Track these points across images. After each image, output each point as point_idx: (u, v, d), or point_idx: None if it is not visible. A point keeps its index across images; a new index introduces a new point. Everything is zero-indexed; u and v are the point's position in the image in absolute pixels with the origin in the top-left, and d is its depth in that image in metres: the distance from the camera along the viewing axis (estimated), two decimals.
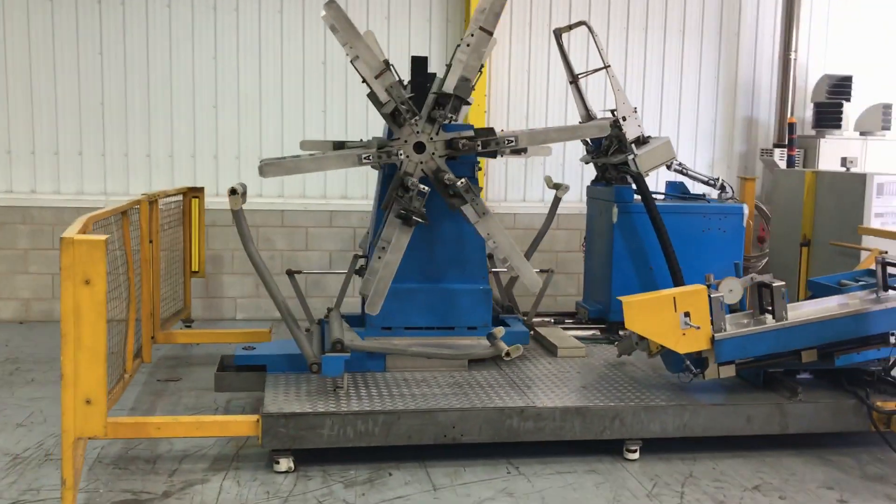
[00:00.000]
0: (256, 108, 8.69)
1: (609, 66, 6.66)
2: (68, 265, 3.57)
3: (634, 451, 5.07)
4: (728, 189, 7.28)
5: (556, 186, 6.96)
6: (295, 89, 8.73)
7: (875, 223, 6.94)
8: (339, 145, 6.36)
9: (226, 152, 8.69)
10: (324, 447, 4.76)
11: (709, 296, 5.09)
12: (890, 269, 5.41)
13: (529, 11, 9.13)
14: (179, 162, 8.61)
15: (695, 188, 7.64)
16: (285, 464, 4.71)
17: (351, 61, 4.99)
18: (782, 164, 9.06)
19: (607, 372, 5.77)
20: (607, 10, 9.25)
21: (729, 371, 5.23)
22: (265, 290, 8.62)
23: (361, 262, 6.04)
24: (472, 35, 5.04)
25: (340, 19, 4.64)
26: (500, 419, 4.90)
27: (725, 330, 5.13)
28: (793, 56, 9.22)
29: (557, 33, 7.27)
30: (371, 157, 4.89)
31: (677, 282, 6.51)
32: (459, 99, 4.91)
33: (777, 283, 5.17)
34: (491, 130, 4.94)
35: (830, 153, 8.92)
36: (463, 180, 4.73)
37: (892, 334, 5.28)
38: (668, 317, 5.01)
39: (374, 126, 8.85)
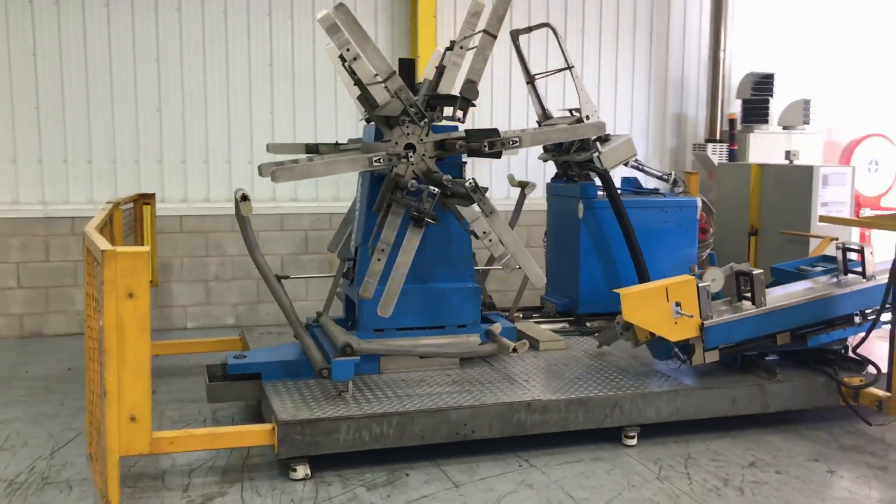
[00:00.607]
0: (202, 111, 8.46)
1: (573, 66, 6.85)
2: (111, 279, 3.43)
3: (633, 438, 5.27)
4: (680, 183, 7.61)
5: (523, 185, 7.09)
6: (241, 91, 8.55)
7: (821, 212, 7.43)
8: (312, 148, 6.30)
9: (171, 156, 8.42)
10: (339, 451, 4.74)
11: (697, 285, 5.36)
12: (848, 255, 5.84)
13: None
14: (123, 167, 8.28)
15: (647, 183, 7.95)
16: (302, 471, 4.66)
17: (347, 62, 4.97)
18: (715, 159, 9.53)
19: (592, 363, 5.95)
20: (546, 11, 9.48)
21: (713, 356, 5.49)
22: (217, 298, 8.61)
23: (348, 265, 6.02)
24: (466, 38, 5.11)
25: (349, 22, 4.61)
26: (509, 414, 5.01)
27: (712, 318, 5.40)
28: (722, 55, 9.71)
29: (514, 34, 7.41)
30: (381, 161, 4.89)
31: (641, 273, 6.76)
32: (466, 101, 4.98)
33: (757, 272, 5.48)
34: (495, 131, 5.02)
35: (759, 147, 9.47)
36: (470, 181, 4.80)
37: (856, 315, 5.71)
38: (661, 307, 5.23)
39: (322, 127, 8.78)
